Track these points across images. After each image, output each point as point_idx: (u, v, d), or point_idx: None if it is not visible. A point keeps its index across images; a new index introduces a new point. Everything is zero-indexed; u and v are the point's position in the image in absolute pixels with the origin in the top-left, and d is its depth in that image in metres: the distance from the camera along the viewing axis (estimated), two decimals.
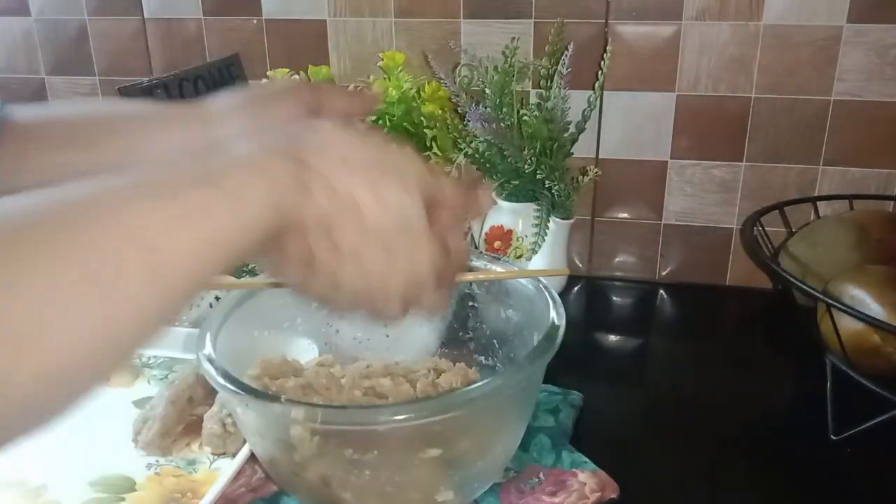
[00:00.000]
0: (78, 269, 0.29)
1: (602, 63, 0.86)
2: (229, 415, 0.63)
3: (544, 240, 0.86)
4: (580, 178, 0.88)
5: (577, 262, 1.01)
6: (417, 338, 0.69)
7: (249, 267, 0.84)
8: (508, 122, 0.85)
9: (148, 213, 0.31)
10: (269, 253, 0.39)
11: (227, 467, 0.60)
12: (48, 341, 0.28)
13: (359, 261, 0.39)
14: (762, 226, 0.82)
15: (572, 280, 0.97)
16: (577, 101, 0.87)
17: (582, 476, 0.60)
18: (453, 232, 0.43)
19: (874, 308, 0.66)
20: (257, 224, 0.35)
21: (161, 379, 0.75)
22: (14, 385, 0.27)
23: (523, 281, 0.61)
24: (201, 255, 0.33)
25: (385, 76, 0.85)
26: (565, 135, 0.87)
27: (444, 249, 0.42)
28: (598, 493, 0.58)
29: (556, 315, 0.55)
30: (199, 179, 0.34)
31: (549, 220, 0.86)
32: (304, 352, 0.66)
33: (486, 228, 0.91)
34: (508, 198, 0.88)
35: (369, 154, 0.39)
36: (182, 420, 0.66)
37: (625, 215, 0.98)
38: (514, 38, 0.91)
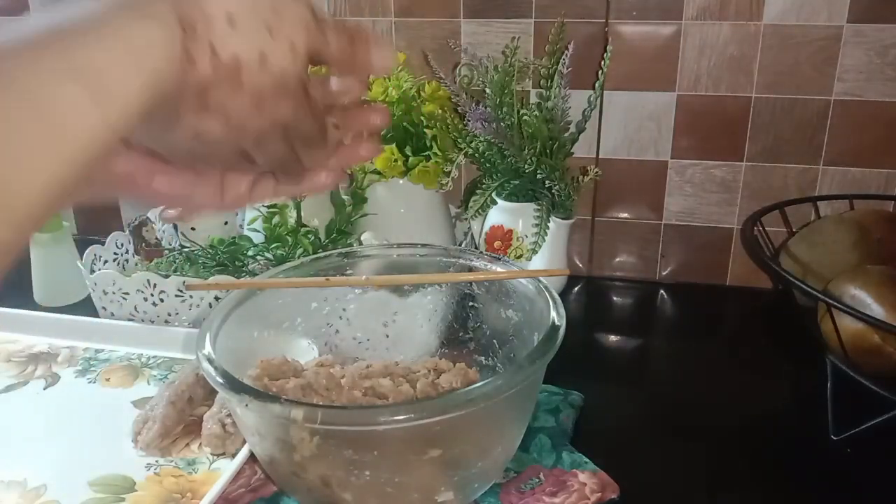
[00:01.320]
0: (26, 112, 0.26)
1: (602, 63, 0.86)
2: (229, 415, 0.63)
3: (544, 240, 0.86)
4: (580, 178, 0.88)
5: (577, 262, 1.01)
6: (417, 338, 0.69)
7: (249, 268, 0.84)
8: (508, 122, 0.85)
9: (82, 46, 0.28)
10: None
11: (227, 467, 0.60)
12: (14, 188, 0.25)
13: (225, 116, 0.36)
14: (762, 226, 0.82)
15: (572, 280, 0.97)
16: (577, 100, 0.87)
17: (582, 476, 0.60)
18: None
19: (874, 308, 0.66)
20: (129, 116, 0.30)
21: (161, 379, 0.75)
22: None
23: (523, 281, 0.61)
24: (61, 176, 0.28)
25: (385, 76, 0.85)
26: (565, 135, 0.87)
27: (317, 115, 0.40)
28: (599, 494, 0.58)
29: (556, 315, 0.55)
30: (53, 65, 0.28)
31: (549, 220, 0.86)
32: (304, 352, 0.66)
33: (486, 228, 0.91)
34: (508, 198, 0.88)
35: (258, 6, 0.36)
36: (182, 420, 0.66)
37: (625, 215, 0.98)
38: (514, 37, 0.91)
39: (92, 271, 0.85)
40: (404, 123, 0.85)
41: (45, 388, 0.74)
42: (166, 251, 0.90)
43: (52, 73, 0.28)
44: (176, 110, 0.35)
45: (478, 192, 0.86)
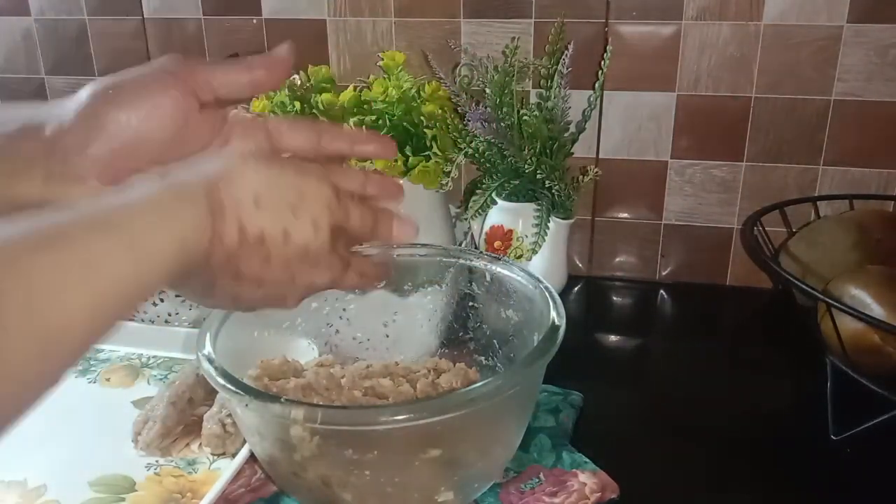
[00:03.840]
0: None
1: (602, 63, 0.86)
2: (229, 415, 0.63)
3: (544, 240, 0.86)
4: (580, 178, 0.88)
5: (577, 262, 1.01)
6: (417, 338, 0.69)
7: None
8: (508, 122, 0.85)
9: (36, 266, 0.29)
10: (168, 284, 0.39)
11: (227, 468, 0.60)
12: None
13: (259, 283, 0.41)
14: (762, 226, 0.82)
15: (572, 280, 0.97)
16: (577, 101, 0.87)
17: (582, 476, 0.60)
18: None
19: (874, 308, 0.66)
20: (159, 274, 0.34)
21: (161, 379, 0.75)
22: None
23: (523, 281, 0.61)
24: (97, 311, 0.31)
25: (385, 76, 0.85)
26: (565, 135, 0.87)
27: (344, 265, 0.45)
28: (598, 494, 0.58)
29: (556, 315, 0.55)
30: (97, 224, 0.33)
31: (549, 220, 0.86)
32: (304, 352, 0.66)
33: (486, 228, 0.91)
34: (508, 198, 0.88)
35: (284, 189, 0.40)
36: (182, 420, 0.66)
37: (625, 215, 0.98)
38: (514, 37, 0.91)
39: None
40: (404, 123, 0.85)
41: None
42: None
43: (97, 231, 0.32)
44: (210, 276, 0.39)
45: (478, 192, 0.86)
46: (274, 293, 0.42)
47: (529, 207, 0.88)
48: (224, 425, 0.63)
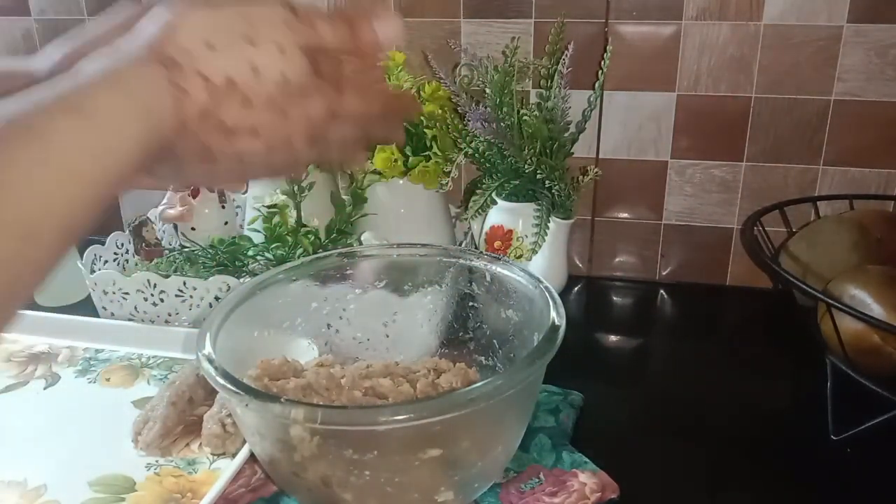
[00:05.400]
0: None
1: (602, 63, 0.86)
2: (229, 415, 0.63)
3: (544, 240, 0.86)
4: (580, 178, 0.88)
5: (577, 262, 1.01)
6: (417, 338, 0.69)
7: (249, 267, 0.84)
8: (508, 122, 0.85)
9: (2, 155, 0.29)
10: (159, 162, 0.37)
11: (227, 467, 0.60)
12: None
13: (253, 132, 0.38)
14: (762, 226, 0.82)
15: (572, 280, 0.97)
16: (577, 101, 0.87)
17: (582, 476, 0.60)
18: (346, 67, 0.41)
19: (874, 308, 0.66)
20: (131, 146, 0.33)
21: (161, 379, 0.75)
22: None
23: (523, 281, 0.61)
24: (73, 193, 0.31)
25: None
26: (565, 135, 0.87)
27: (338, 88, 0.41)
28: (599, 494, 0.58)
29: (556, 315, 0.55)
30: (55, 107, 0.32)
31: (549, 220, 0.86)
32: (304, 352, 0.66)
33: (486, 228, 0.91)
34: (508, 198, 0.88)
35: (232, 22, 0.37)
36: (182, 421, 0.66)
37: (625, 215, 0.98)
38: (514, 37, 0.91)
39: (92, 271, 0.85)
40: (404, 123, 0.85)
41: (45, 388, 0.74)
42: (166, 251, 0.90)
43: (56, 112, 0.31)
44: (198, 141, 0.37)
45: (478, 192, 0.86)
46: (275, 138, 0.39)
47: (529, 207, 0.88)
48: (224, 425, 0.63)
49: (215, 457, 0.63)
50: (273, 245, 0.84)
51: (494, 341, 0.66)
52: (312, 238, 0.84)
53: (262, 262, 0.84)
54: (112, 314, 0.84)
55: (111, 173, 0.32)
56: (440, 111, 0.86)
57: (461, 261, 0.66)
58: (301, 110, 0.39)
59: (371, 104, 0.43)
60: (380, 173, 0.85)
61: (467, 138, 0.85)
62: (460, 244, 0.94)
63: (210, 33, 0.36)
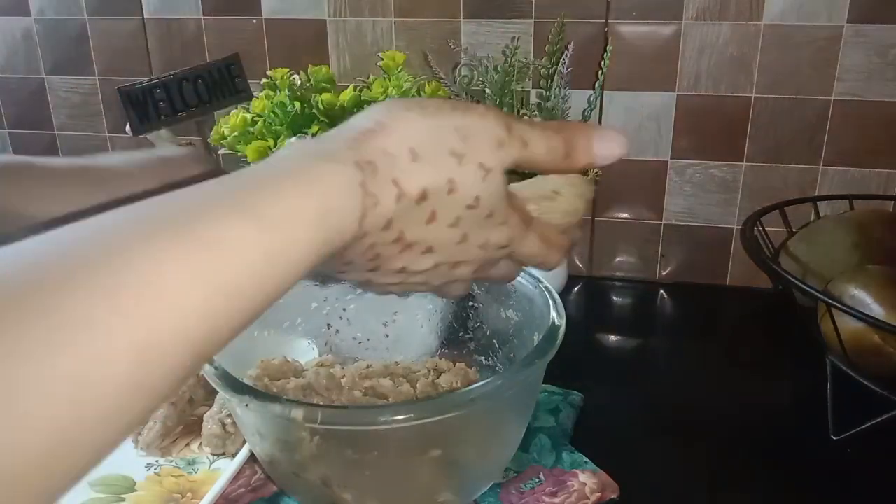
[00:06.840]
0: (53, 352, 0.22)
1: (602, 63, 0.86)
2: (229, 415, 0.63)
3: None
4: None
5: (577, 262, 1.01)
6: (417, 338, 0.69)
7: None
8: None
9: (147, 261, 0.24)
10: (324, 265, 0.33)
11: (227, 468, 0.60)
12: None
13: (428, 249, 0.36)
14: (762, 226, 0.82)
15: (572, 280, 0.97)
16: (577, 101, 0.87)
17: (582, 476, 0.60)
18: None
19: (874, 308, 0.66)
20: (297, 254, 0.29)
21: None
22: None
23: (523, 281, 0.61)
24: (211, 311, 0.26)
25: (385, 76, 0.85)
26: None
27: (525, 221, 0.38)
28: (598, 494, 0.58)
29: (556, 315, 0.55)
30: (219, 202, 0.27)
31: None
32: (304, 352, 0.66)
33: None
34: None
35: (444, 134, 0.34)
36: (182, 421, 0.66)
37: (625, 215, 0.98)
38: (514, 38, 0.91)
39: None
40: None
41: None
42: None
43: (219, 209, 0.27)
44: (369, 251, 0.34)
45: None
46: (447, 258, 0.36)
47: None
48: (224, 425, 0.63)
49: (215, 457, 0.63)
50: None
51: (494, 341, 0.65)
52: None
53: None
54: None
55: (260, 288, 0.28)
56: None
57: None
58: (482, 238, 0.37)
59: (548, 255, 0.41)
60: None
61: None
62: None
63: (418, 142, 0.33)
